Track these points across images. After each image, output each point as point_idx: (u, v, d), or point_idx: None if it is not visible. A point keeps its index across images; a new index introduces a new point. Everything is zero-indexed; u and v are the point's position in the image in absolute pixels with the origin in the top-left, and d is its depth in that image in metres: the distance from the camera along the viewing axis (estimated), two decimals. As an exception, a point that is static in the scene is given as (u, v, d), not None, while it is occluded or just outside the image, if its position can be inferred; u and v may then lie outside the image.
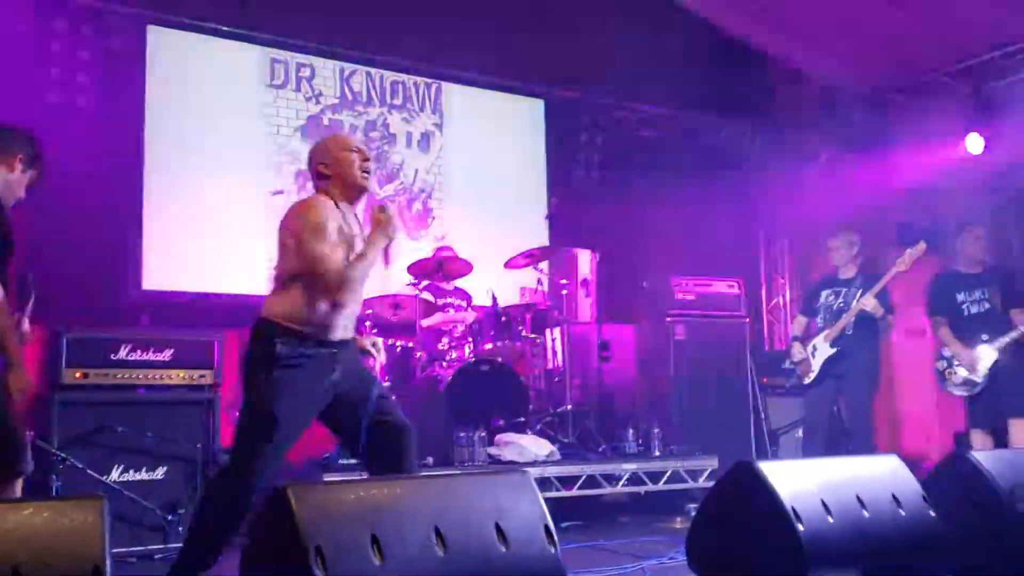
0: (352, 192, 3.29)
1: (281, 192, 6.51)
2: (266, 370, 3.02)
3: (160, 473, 4.28)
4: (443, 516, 2.11)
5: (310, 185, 6.67)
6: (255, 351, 3.08)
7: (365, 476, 4.39)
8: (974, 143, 6.90)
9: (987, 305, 5.36)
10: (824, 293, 5.68)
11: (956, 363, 5.32)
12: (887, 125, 7.43)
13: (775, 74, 8.05)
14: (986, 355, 5.22)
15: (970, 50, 6.94)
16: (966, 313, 5.40)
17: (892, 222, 7.05)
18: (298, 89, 6.70)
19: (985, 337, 5.22)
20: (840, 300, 5.57)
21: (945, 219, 7.27)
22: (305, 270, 3.07)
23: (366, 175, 3.30)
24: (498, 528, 2.16)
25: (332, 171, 3.27)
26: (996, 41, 6.78)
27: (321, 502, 2.00)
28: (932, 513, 2.76)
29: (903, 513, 2.70)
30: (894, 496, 2.73)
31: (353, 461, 4.40)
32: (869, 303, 5.36)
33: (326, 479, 4.26)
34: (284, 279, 3.15)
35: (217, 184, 6.30)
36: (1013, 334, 5.16)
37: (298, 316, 3.08)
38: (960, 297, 5.44)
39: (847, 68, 7.55)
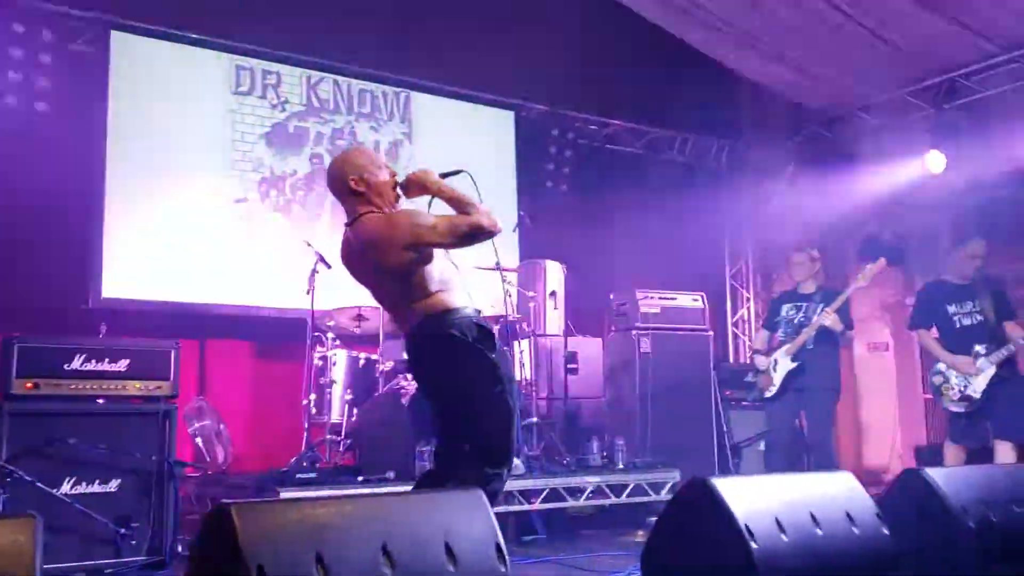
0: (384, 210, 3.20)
1: (244, 200, 6.45)
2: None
3: (113, 486, 4.19)
4: (391, 535, 2.07)
5: (274, 193, 6.68)
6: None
7: (323, 491, 4.35)
8: (935, 161, 6.99)
9: (979, 317, 5.30)
10: (785, 307, 5.72)
11: (954, 376, 5.23)
12: (850, 142, 7.52)
13: (742, 91, 8.13)
14: (985, 369, 5.14)
15: (931, 70, 7.06)
16: (958, 325, 5.34)
17: (854, 238, 7.13)
18: (264, 96, 6.65)
19: (982, 351, 5.17)
20: (801, 315, 5.61)
21: (907, 235, 7.37)
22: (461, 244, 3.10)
23: (398, 197, 3.24)
24: (448, 547, 2.13)
25: (365, 187, 3.18)
26: (957, 61, 6.90)
27: (265, 520, 1.97)
28: (885, 531, 2.76)
29: (856, 531, 2.70)
30: (848, 514, 2.73)
31: (311, 475, 4.36)
32: (829, 318, 5.39)
33: (282, 494, 4.22)
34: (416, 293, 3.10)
35: (180, 191, 6.22)
36: (1010, 347, 5.12)
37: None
38: (951, 309, 5.37)
39: (811, 86, 7.64)
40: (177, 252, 6.13)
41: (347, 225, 3.25)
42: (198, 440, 5.60)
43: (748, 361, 6.58)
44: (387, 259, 3.06)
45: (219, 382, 6.11)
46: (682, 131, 8.34)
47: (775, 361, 5.60)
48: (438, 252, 3.14)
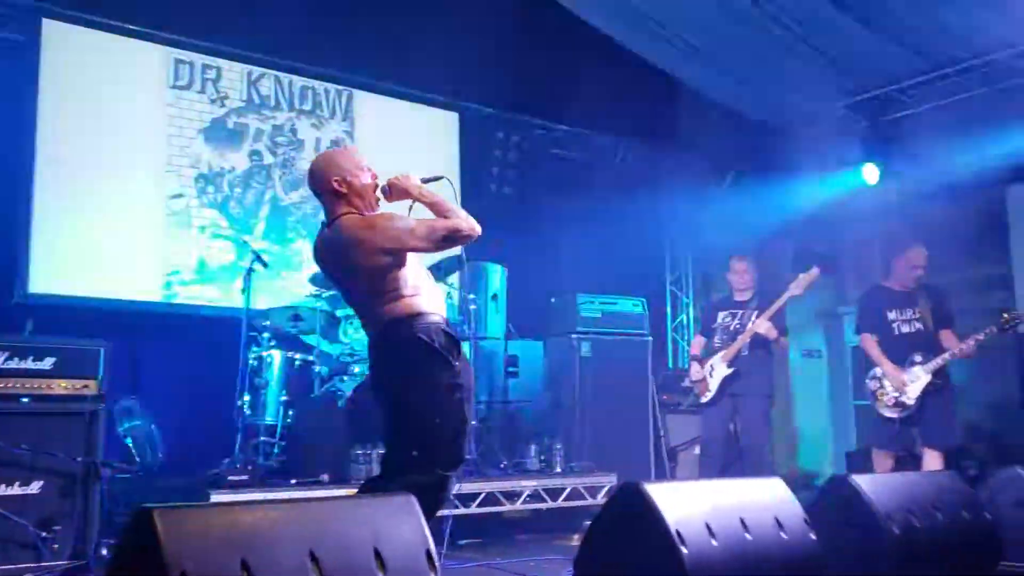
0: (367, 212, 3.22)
1: (181, 196, 6.32)
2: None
3: (35, 488, 4.05)
4: (319, 541, 2.04)
5: (211, 189, 6.56)
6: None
7: (255, 494, 4.28)
8: (870, 173, 7.16)
9: (918, 325, 5.36)
10: (721, 315, 5.80)
11: (887, 381, 5.29)
12: (789, 152, 7.66)
13: (684, 100, 8.22)
14: (919, 377, 5.21)
15: (868, 84, 7.23)
16: (896, 332, 5.40)
17: (790, 246, 7.26)
18: (203, 91, 6.52)
19: (919, 359, 5.23)
20: (737, 321, 5.69)
21: (841, 245, 7.53)
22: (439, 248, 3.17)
23: (378, 200, 3.27)
24: (377, 553, 2.10)
25: (347, 189, 3.19)
26: (892, 76, 7.07)
27: (188, 525, 1.92)
28: (813, 536, 2.81)
29: (785, 536, 2.74)
30: (777, 519, 2.77)
31: (243, 477, 4.28)
32: (762, 326, 5.48)
33: (213, 496, 4.13)
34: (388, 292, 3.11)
35: (113, 185, 6.07)
36: (945, 356, 5.17)
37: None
38: (891, 315, 5.43)
39: (752, 97, 7.77)
40: (110, 247, 5.98)
41: (325, 225, 3.26)
42: (128, 441, 5.46)
43: (687, 366, 6.65)
44: (363, 260, 3.08)
45: (151, 381, 5.96)
46: (625, 137, 8.40)
47: (711, 367, 5.67)
48: (412, 257, 3.18)
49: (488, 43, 6.91)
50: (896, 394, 5.27)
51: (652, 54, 7.60)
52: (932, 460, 5.20)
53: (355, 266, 3.11)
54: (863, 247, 7.02)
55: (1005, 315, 5.05)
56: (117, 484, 4.84)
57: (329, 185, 3.19)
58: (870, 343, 5.47)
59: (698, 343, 5.98)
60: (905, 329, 5.40)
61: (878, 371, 5.38)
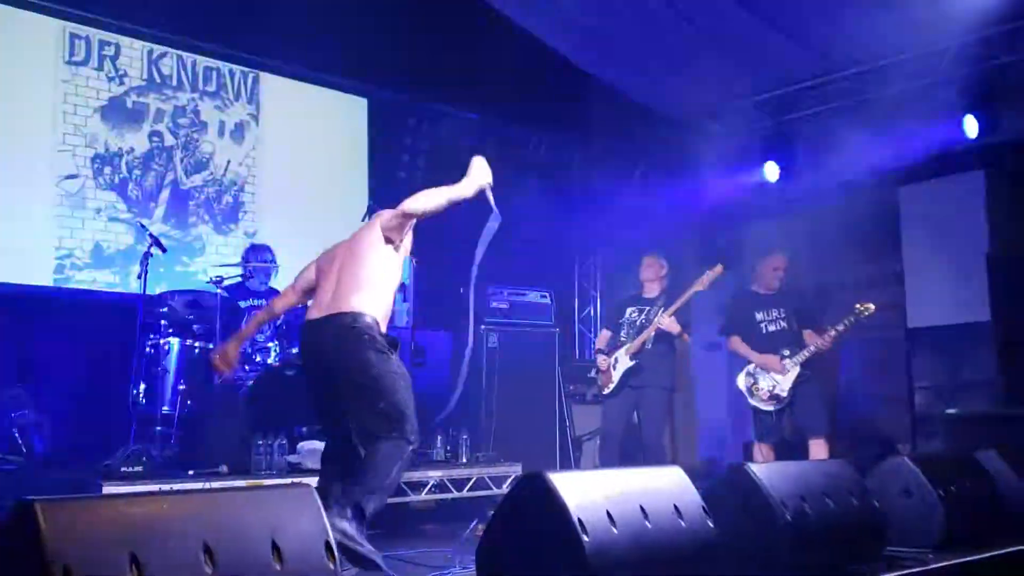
0: None
1: (76, 176, 6.06)
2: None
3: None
4: (214, 533, 1.98)
5: (108, 170, 6.31)
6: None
7: (150, 486, 4.14)
8: (770, 171, 7.36)
9: (783, 324, 5.70)
10: (629, 310, 5.90)
11: (761, 376, 5.58)
12: (697, 148, 7.80)
13: (596, 94, 8.28)
14: (789, 369, 5.52)
15: (773, 82, 7.41)
16: (764, 331, 5.72)
17: (695, 242, 7.41)
18: (100, 68, 6.26)
19: (787, 353, 5.54)
20: (643, 317, 5.79)
21: (742, 243, 7.73)
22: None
23: None
24: (274, 545, 2.06)
25: None
26: (796, 76, 7.26)
27: (73, 519, 1.83)
28: (711, 524, 2.87)
29: (683, 524, 2.79)
30: (676, 507, 2.81)
31: (138, 469, 4.14)
32: (665, 321, 5.60)
33: (105, 488, 3.98)
34: None
35: (2, 165, 5.78)
36: (811, 348, 5.49)
37: None
38: (759, 316, 5.75)
39: (662, 92, 7.88)
40: (-2, 229, 5.70)
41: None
42: (15, 431, 5.22)
43: (593, 358, 6.74)
44: (395, 239, 3.63)
45: (42, 369, 5.71)
46: (538, 129, 8.42)
47: (615, 360, 5.76)
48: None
49: (399, 28, 6.84)
50: (771, 388, 5.54)
51: (566, 49, 7.64)
52: (818, 449, 5.45)
53: (384, 245, 3.68)
54: (765, 244, 7.19)
55: (858, 307, 5.40)
56: (2, 477, 4.62)
57: None
58: (738, 343, 5.78)
59: (604, 337, 6.07)
60: (772, 328, 5.72)
61: (751, 367, 5.67)
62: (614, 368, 5.74)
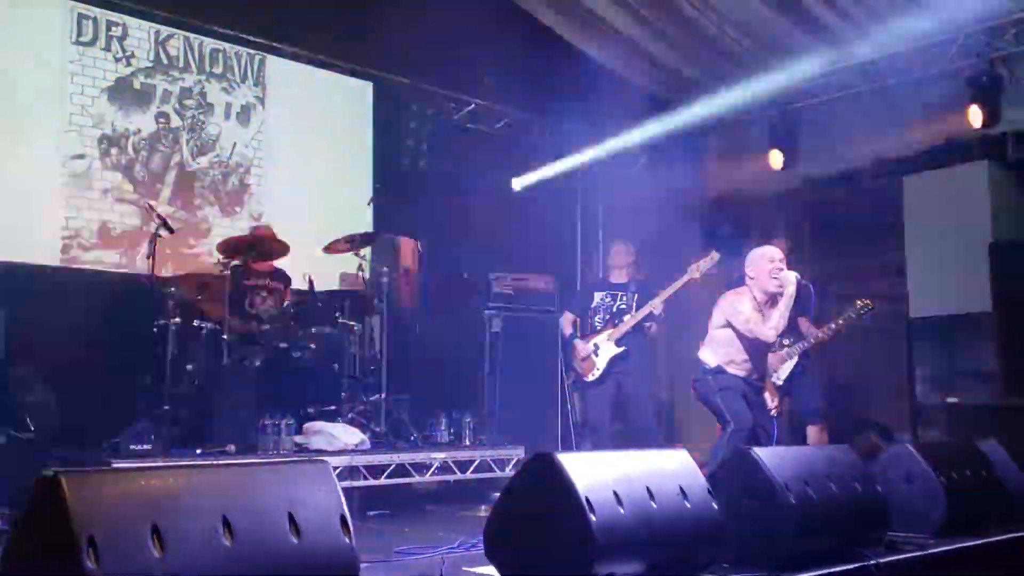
0: None
1: (82, 157, 6.08)
2: None
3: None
4: (232, 506, 2.02)
5: (114, 151, 6.32)
6: None
7: (158, 464, 4.18)
8: (775, 158, 7.37)
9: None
10: (598, 295, 5.94)
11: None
12: (700, 135, 7.81)
13: (603, 81, 8.28)
14: (788, 359, 5.61)
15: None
16: None
17: (695, 228, 7.43)
18: (107, 48, 6.26)
19: (786, 342, 5.58)
20: (617, 302, 5.81)
21: (746, 230, 7.73)
22: None
23: None
24: (291, 518, 2.10)
25: None
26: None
27: (97, 490, 1.88)
28: (715, 505, 2.91)
29: (688, 505, 2.84)
30: (681, 489, 2.86)
31: (146, 447, 4.17)
32: (658, 306, 5.63)
33: (114, 465, 4.03)
34: None
35: (9, 143, 5.79)
36: (810, 339, 5.59)
37: None
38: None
39: (665, 79, 7.90)
40: (3, 208, 5.70)
41: None
42: (23, 408, 5.24)
43: (565, 345, 6.73)
44: None
45: (49, 348, 5.74)
46: (543, 115, 8.42)
47: (595, 346, 5.78)
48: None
49: (406, 13, 6.83)
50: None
51: (570, 33, 7.65)
52: (816, 434, 5.52)
53: None
54: (767, 232, 7.22)
55: (858, 303, 5.46)
56: (10, 453, 4.66)
57: None
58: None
59: (569, 319, 6.10)
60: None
61: None
62: (596, 355, 5.75)
